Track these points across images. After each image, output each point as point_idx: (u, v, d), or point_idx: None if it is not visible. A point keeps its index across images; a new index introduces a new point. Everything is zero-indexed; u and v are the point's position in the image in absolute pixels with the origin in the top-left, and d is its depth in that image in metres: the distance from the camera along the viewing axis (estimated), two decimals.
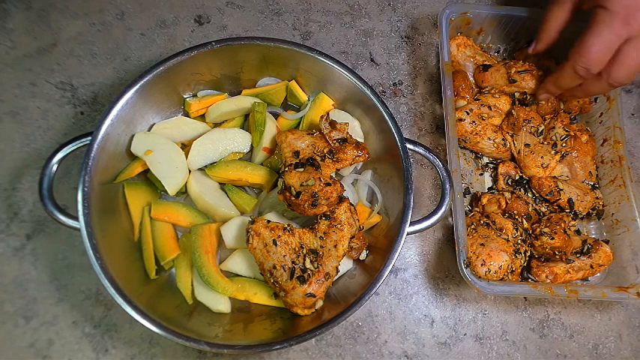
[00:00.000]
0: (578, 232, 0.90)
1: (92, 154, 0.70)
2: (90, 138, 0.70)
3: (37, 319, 0.79)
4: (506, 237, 0.83)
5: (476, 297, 0.86)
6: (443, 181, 0.75)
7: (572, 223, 0.87)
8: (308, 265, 0.70)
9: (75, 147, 0.71)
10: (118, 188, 0.78)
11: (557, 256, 0.82)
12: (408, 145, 0.76)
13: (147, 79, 0.75)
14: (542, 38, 0.88)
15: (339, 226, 0.72)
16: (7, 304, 0.79)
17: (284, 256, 0.70)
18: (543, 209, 0.89)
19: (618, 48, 0.74)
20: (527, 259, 0.84)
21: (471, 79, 0.97)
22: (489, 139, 0.91)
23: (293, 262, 0.70)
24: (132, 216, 0.78)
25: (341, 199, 0.74)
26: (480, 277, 0.78)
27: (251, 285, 0.78)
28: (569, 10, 0.82)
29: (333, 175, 0.78)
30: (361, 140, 0.85)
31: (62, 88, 0.92)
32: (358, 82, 0.79)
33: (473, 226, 0.85)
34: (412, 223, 0.72)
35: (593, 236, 0.92)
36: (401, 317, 0.84)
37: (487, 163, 0.95)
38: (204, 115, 0.86)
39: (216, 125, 0.87)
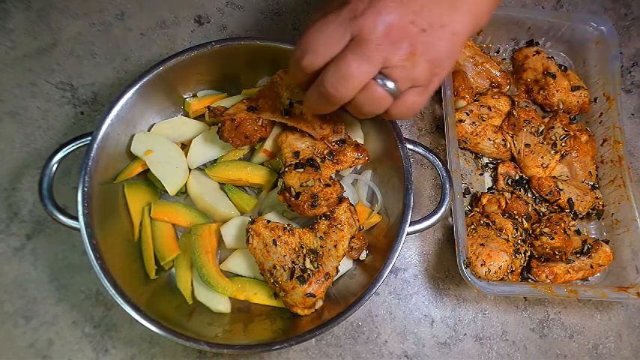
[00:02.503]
0: (578, 232, 0.90)
1: (92, 154, 0.70)
2: (90, 138, 0.70)
3: (37, 319, 0.79)
4: (506, 237, 0.82)
5: (476, 297, 0.86)
6: (443, 181, 0.75)
7: (572, 223, 0.87)
8: (308, 265, 0.70)
9: (75, 147, 0.71)
10: (118, 188, 0.78)
11: (557, 256, 0.82)
12: (408, 145, 0.76)
13: (147, 79, 0.74)
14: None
15: (339, 226, 0.72)
16: (7, 304, 0.79)
17: (284, 256, 0.70)
18: (543, 209, 0.89)
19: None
20: (527, 259, 0.84)
21: (471, 79, 0.97)
22: (489, 139, 0.91)
23: (293, 262, 0.70)
24: (132, 216, 0.78)
25: (341, 200, 0.74)
26: (479, 277, 0.78)
27: (251, 285, 0.78)
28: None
29: (333, 175, 0.78)
30: (361, 141, 0.85)
31: (62, 88, 0.92)
32: None
33: (473, 226, 0.85)
34: (412, 223, 0.72)
35: (593, 236, 0.92)
36: (401, 317, 0.84)
37: (487, 163, 0.95)
38: (204, 115, 0.86)
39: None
